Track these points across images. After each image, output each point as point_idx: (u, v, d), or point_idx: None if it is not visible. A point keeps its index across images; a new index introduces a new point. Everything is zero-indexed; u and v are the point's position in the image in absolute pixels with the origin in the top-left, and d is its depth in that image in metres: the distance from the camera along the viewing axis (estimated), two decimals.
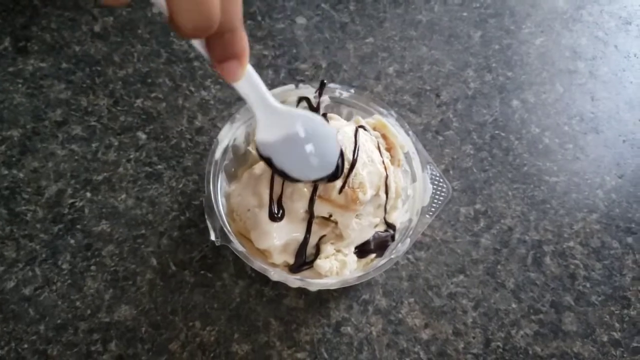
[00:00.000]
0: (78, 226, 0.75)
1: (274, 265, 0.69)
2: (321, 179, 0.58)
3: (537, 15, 1.01)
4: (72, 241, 0.74)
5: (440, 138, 0.87)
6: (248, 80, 0.47)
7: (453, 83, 0.92)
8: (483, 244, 0.78)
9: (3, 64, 0.87)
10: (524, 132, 0.89)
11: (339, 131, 0.66)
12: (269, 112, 0.51)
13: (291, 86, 0.75)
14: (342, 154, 0.59)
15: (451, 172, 0.84)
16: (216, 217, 0.66)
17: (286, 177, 0.56)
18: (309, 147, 0.55)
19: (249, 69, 0.46)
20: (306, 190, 0.66)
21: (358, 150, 0.66)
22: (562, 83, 0.95)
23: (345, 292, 0.73)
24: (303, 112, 0.55)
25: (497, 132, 0.88)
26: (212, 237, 0.64)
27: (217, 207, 0.67)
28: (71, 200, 0.77)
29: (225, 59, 0.41)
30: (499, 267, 0.77)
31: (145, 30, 0.92)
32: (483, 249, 0.78)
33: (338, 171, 0.59)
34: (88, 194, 0.78)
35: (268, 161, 0.54)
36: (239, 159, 0.75)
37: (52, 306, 0.69)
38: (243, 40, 0.40)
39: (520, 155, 0.87)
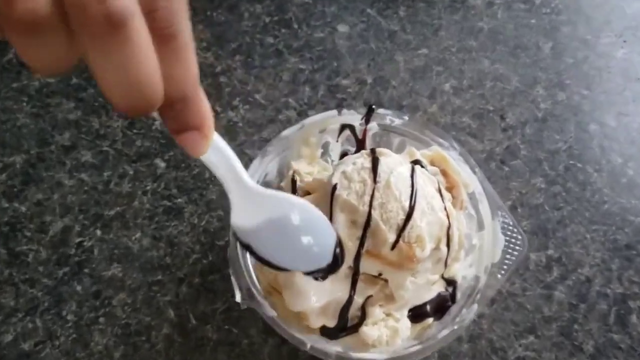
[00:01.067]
0: (86, 270, 0.70)
1: (309, 330, 0.60)
2: (317, 272, 0.53)
3: (618, 22, 0.93)
4: (78, 288, 0.69)
5: (506, 169, 0.79)
6: (216, 154, 0.41)
7: (520, 103, 0.84)
8: (557, 298, 0.71)
9: (6, 78, 0.82)
10: (603, 163, 0.80)
11: (392, 173, 0.57)
12: (243, 194, 0.45)
13: (333, 112, 0.67)
14: (340, 244, 0.53)
15: (519, 210, 0.76)
16: (242, 273, 0.58)
17: (271, 265, 0.50)
18: (295, 236, 0.49)
19: (217, 141, 0.40)
20: (351, 244, 0.56)
21: (416, 195, 0.56)
22: None
23: None
24: (284, 195, 0.49)
25: (572, 162, 0.80)
26: (238, 298, 0.57)
27: (244, 258, 0.59)
28: (79, 239, 0.71)
29: (182, 130, 0.35)
30: (575, 326, 0.69)
31: None
32: (557, 304, 0.70)
33: (338, 262, 0.52)
34: (98, 232, 0.72)
35: (248, 248, 0.49)
36: None
37: None
38: (201, 108, 0.35)
39: (599, 190, 0.78)
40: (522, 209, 0.76)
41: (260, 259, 0.49)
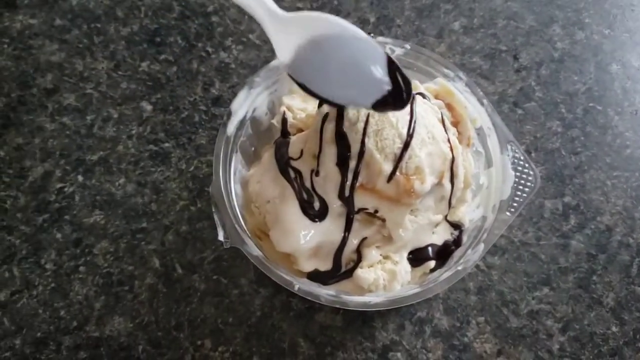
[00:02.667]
0: (66, 217, 0.67)
1: (300, 274, 0.56)
2: (382, 104, 0.48)
3: None
4: (58, 235, 0.66)
5: (520, 111, 0.76)
6: None
7: (535, 42, 0.81)
8: (574, 248, 0.68)
9: None
10: (626, 105, 0.77)
11: None
12: (277, 24, 0.47)
13: None
14: (393, 63, 0.48)
15: (533, 154, 0.73)
16: (226, 211, 0.54)
17: (332, 104, 0.50)
18: (343, 55, 0.47)
19: None
20: (344, 179, 0.53)
21: (415, 123, 0.51)
22: None
23: (395, 309, 0.64)
24: (316, 13, 0.48)
25: (591, 104, 0.77)
26: (220, 236, 0.54)
27: (229, 196, 0.56)
28: (59, 185, 0.69)
29: None
30: (594, 277, 0.67)
31: None
32: (574, 254, 0.68)
33: (402, 90, 0.48)
34: (80, 178, 0.69)
35: (304, 88, 0.48)
36: (261, 136, 0.63)
37: (31, 315, 0.62)
38: None
39: (621, 134, 0.75)
40: (536, 154, 0.72)
41: (321, 98, 0.49)
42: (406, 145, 0.50)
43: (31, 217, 0.66)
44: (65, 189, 0.68)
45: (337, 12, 0.81)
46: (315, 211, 0.54)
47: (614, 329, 0.64)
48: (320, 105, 0.54)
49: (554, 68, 0.79)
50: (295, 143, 0.57)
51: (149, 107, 0.73)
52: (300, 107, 0.62)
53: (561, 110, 0.76)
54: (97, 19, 0.79)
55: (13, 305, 0.62)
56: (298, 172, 0.54)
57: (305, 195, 0.54)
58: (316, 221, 0.54)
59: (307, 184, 0.55)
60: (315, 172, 0.53)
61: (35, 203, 0.67)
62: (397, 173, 0.51)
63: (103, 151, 0.70)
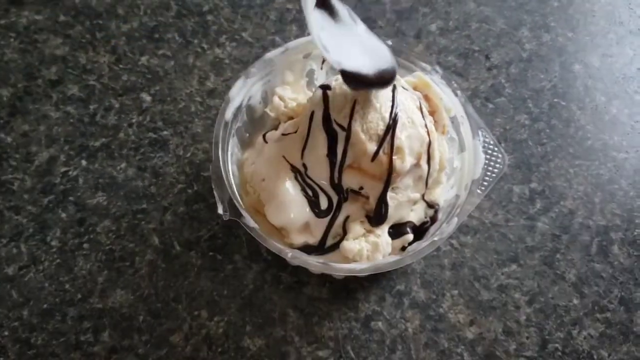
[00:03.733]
0: (71, 198, 0.69)
1: (292, 247, 0.60)
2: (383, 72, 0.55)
3: None
4: (63, 215, 0.68)
5: (491, 106, 0.79)
6: None
7: (505, 44, 0.85)
8: (540, 229, 0.71)
9: None
10: (587, 101, 0.80)
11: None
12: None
13: None
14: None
15: (503, 145, 0.76)
16: (225, 188, 0.57)
17: (362, 80, 0.53)
18: (359, 35, 0.56)
19: None
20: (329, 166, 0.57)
21: (396, 108, 0.56)
22: (633, 45, 0.86)
23: (377, 282, 0.66)
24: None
25: (556, 100, 0.80)
26: (220, 210, 0.56)
27: (227, 176, 0.59)
28: (64, 169, 0.71)
29: None
30: (558, 256, 0.69)
31: None
32: (540, 234, 0.70)
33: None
34: (83, 162, 0.72)
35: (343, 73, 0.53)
36: (255, 123, 0.67)
37: (37, 288, 0.64)
38: None
39: (583, 127, 0.78)
40: (505, 144, 0.75)
41: (354, 78, 0.53)
42: (388, 129, 0.55)
43: (37, 198, 0.68)
44: (70, 173, 0.70)
45: None
46: (322, 210, 0.59)
47: (575, 301, 0.66)
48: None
49: (522, 67, 0.82)
50: (287, 130, 0.62)
51: (148, 98, 0.76)
52: (291, 97, 0.65)
53: (528, 105, 0.79)
54: (99, 15, 0.81)
55: (21, 279, 0.64)
56: (296, 170, 0.59)
57: (309, 192, 0.59)
58: (322, 216, 0.59)
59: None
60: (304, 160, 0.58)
61: (41, 185, 0.69)
62: (381, 153, 0.55)
63: (105, 138, 0.73)
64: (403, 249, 0.62)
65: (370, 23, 0.84)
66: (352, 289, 0.66)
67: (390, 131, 0.55)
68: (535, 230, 0.70)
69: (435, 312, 0.65)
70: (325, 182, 0.58)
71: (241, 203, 0.59)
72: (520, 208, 0.71)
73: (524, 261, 0.68)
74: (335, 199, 0.58)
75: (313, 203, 0.59)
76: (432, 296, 0.66)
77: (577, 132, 0.77)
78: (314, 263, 0.56)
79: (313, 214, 0.59)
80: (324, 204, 0.59)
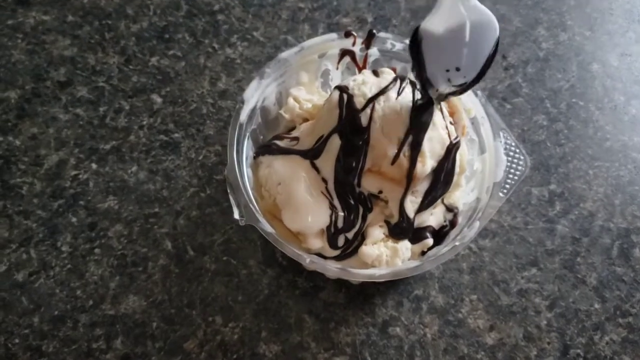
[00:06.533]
0: (81, 202, 0.68)
1: (309, 252, 0.59)
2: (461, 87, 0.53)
3: None
4: (73, 219, 0.67)
5: (508, 106, 0.78)
6: None
7: (522, 43, 0.83)
8: (559, 232, 0.69)
9: (1, 16, 0.80)
10: (606, 101, 0.79)
11: (393, 88, 0.56)
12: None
13: (332, 35, 0.65)
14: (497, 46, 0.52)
15: (521, 146, 0.72)
16: (241, 192, 0.56)
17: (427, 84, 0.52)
18: (463, 48, 0.50)
19: None
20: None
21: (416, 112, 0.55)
22: None
23: (394, 287, 0.65)
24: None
25: (574, 100, 0.79)
26: (236, 215, 0.55)
27: (242, 179, 0.58)
28: (74, 172, 0.70)
29: None
30: (578, 259, 0.68)
31: None
32: (559, 237, 0.69)
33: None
34: (93, 165, 0.70)
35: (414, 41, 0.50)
36: (269, 125, 0.66)
37: (48, 295, 0.63)
38: None
39: (602, 127, 0.77)
40: (524, 145, 0.74)
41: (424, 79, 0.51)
42: (409, 130, 0.54)
43: (47, 202, 0.67)
44: (80, 176, 0.69)
45: (336, 11, 0.83)
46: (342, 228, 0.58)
47: (596, 305, 0.65)
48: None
49: (539, 66, 0.81)
50: (304, 134, 0.60)
51: (159, 100, 0.75)
52: (306, 98, 0.64)
53: (546, 105, 0.78)
54: (108, 16, 0.81)
55: (31, 285, 0.63)
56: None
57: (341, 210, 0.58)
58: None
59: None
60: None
61: (50, 189, 0.68)
62: (401, 155, 0.54)
63: (115, 141, 0.72)
64: (422, 253, 0.61)
65: (385, 22, 0.83)
66: (369, 294, 0.65)
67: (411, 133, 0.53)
68: (555, 233, 0.69)
69: (454, 317, 0.64)
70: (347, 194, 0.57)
71: (257, 208, 0.57)
72: (539, 210, 0.70)
73: (544, 265, 0.67)
74: (358, 211, 0.57)
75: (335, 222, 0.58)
76: (451, 301, 0.65)
77: (596, 133, 0.76)
78: (332, 269, 0.55)
79: (334, 230, 0.58)
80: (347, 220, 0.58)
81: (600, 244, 0.69)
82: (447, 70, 0.50)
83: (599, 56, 0.82)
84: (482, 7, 0.50)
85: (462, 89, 0.52)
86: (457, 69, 0.50)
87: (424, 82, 0.52)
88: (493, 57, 0.51)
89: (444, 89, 0.52)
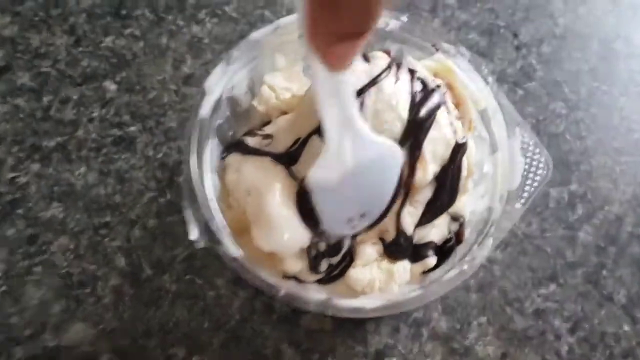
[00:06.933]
0: (19, 211, 0.62)
1: (285, 276, 0.51)
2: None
3: None
4: (10, 231, 0.61)
5: (520, 92, 0.71)
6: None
7: (535, 18, 0.77)
8: (582, 240, 0.65)
9: None
10: (631, 86, 0.74)
11: (388, 77, 0.47)
12: (348, 139, 0.41)
13: None
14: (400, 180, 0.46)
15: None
16: (198, 206, 0.48)
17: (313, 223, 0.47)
18: (365, 191, 0.46)
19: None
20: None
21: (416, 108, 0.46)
22: None
23: None
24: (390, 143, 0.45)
25: (595, 84, 0.73)
26: (191, 236, 0.47)
27: (203, 188, 0.50)
28: (11, 175, 0.63)
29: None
30: (604, 272, 0.64)
31: None
32: (582, 247, 0.64)
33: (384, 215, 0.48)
34: (35, 166, 0.64)
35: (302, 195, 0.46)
36: (240, 118, 0.57)
37: None
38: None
39: (628, 117, 0.71)
40: (539, 138, 0.66)
41: (306, 211, 0.46)
42: (408, 133, 0.45)
43: None
44: (19, 179, 0.63)
45: None
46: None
47: (626, 327, 0.61)
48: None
49: (555, 45, 0.75)
50: (280, 132, 0.51)
51: (112, 87, 0.68)
52: (284, 87, 0.55)
53: (564, 90, 0.72)
54: None
55: None
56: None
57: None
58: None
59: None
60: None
61: None
62: None
63: (61, 136, 0.65)
64: (423, 272, 0.53)
65: None
66: (359, 318, 0.58)
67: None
68: (577, 242, 0.64)
69: (459, 344, 0.59)
70: None
71: (222, 222, 0.49)
72: (558, 215, 0.65)
73: (564, 280, 0.62)
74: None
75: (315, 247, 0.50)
76: (456, 325, 0.60)
77: (621, 123, 0.71)
78: (313, 302, 0.46)
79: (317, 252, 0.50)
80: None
81: (629, 254, 0.64)
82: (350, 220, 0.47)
83: (623, 33, 0.77)
84: (377, 137, 0.43)
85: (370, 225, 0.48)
86: (362, 216, 0.47)
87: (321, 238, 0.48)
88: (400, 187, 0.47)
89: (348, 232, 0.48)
